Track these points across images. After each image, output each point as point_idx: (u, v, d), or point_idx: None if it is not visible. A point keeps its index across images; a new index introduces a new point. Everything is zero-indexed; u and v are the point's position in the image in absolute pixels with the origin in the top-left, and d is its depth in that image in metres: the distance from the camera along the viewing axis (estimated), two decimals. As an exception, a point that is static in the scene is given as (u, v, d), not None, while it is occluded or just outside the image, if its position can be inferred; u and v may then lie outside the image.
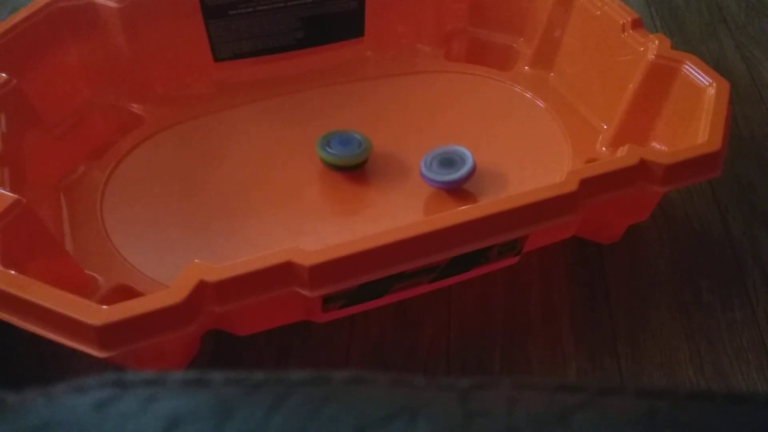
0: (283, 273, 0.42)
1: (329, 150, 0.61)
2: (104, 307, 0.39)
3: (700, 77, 0.57)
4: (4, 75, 0.55)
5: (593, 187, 0.49)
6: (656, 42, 0.61)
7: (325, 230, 0.58)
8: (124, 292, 0.52)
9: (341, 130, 0.63)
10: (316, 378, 0.17)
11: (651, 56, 0.60)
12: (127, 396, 0.16)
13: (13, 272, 0.41)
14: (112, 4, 0.63)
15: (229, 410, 0.16)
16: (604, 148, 0.64)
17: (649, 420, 0.16)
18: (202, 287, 0.41)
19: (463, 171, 0.59)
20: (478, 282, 0.56)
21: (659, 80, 0.60)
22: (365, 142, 0.62)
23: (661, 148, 0.60)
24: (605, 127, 0.65)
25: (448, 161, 0.60)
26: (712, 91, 0.56)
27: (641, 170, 0.50)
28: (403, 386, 0.17)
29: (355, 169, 0.62)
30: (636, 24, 0.63)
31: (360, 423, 0.16)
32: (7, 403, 0.16)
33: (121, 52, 0.65)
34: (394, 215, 0.59)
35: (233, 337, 0.50)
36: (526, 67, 0.73)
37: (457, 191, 0.60)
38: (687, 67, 0.58)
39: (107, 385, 0.16)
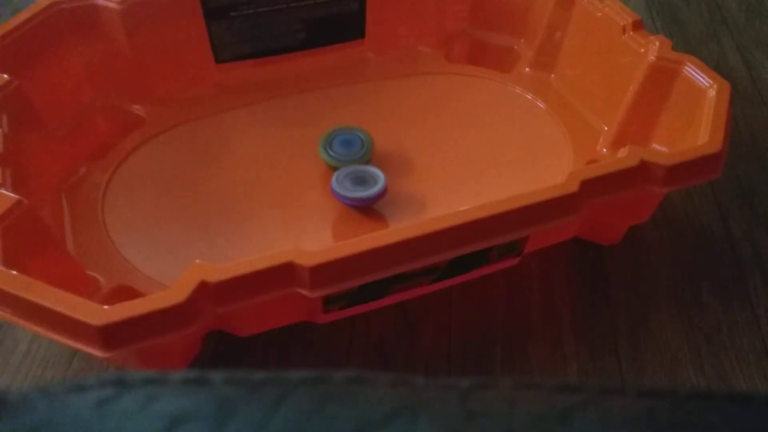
0: (284, 273, 0.42)
1: (331, 152, 0.61)
2: (105, 307, 0.39)
3: (700, 78, 0.57)
4: (5, 76, 0.55)
5: (594, 188, 0.49)
6: (657, 43, 0.61)
7: (326, 232, 0.58)
8: (125, 293, 0.52)
9: (344, 128, 0.63)
10: (316, 378, 0.17)
11: (652, 57, 0.60)
12: (127, 395, 0.16)
13: (14, 272, 0.41)
14: (114, 6, 0.63)
15: (230, 410, 0.16)
16: (604, 150, 0.64)
17: (650, 420, 0.16)
18: (203, 287, 0.41)
19: (374, 190, 0.58)
20: (478, 283, 0.56)
21: (660, 81, 0.60)
22: (367, 142, 0.62)
23: (661, 149, 0.60)
24: (606, 128, 0.65)
25: (360, 179, 0.59)
26: (712, 92, 0.56)
27: (642, 171, 0.50)
28: (404, 386, 0.17)
29: None
30: (637, 25, 0.63)
31: (360, 423, 0.16)
32: (8, 402, 0.16)
33: (123, 53, 0.65)
34: (396, 217, 0.59)
35: (234, 338, 0.50)
36: (527, 69, 0.73)
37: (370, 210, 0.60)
38: (687, 68, 0.58)
39: (107, 384, 0.16)
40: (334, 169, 0.61)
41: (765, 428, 0.16)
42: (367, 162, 0.62)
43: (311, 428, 0.16)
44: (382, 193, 0.58)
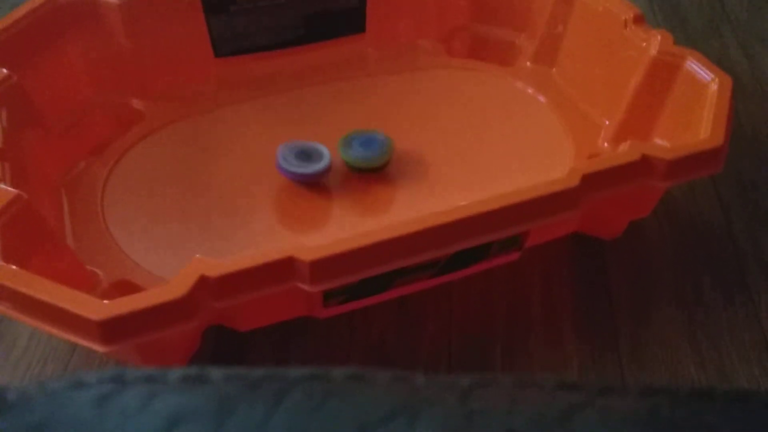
0: (284, 268, 0.42)
1: (351, 152, 0.61)
2: (105, 301, 0.39)
3: (702, 73, 0.57)
4: (4, 71, 0.55)
5: (595, 182, 0.48)
6: (658, 37, 0.60)
7: (327, 227, 0.58)
8: (125, 288, 0.52)
9: (362, 130, 0.63)
10: (316, 375, 0.17)
11: (653, 52, 0.60)
12: (127, 392, 0.16)
13: (14, 267, 0.41)
14: (113, 0, 0.63)
15: (230, 407, 0.16)
16: (606, 144, 0.63)
17: (650, 419, 0.16)
18: (203, 282, 0.41)
19: (320, 165, 0.59)
20: (479, 279, 0.56)
21: (661, 76, 0.60)
22: (387, 143, 0.61)
23: (663, 143, 0.60)
24: (607, 122, 0.65)
25: (306, 155, 0.60)
26: (714, 86, 0.55)
27: (643, 165, 0.50)
28: (404, 384, 0.17)
29: (376, 171, 0.61)
30: (638, 19, 0.63)
31: (360, 421, 0.16)
32: (7, 400, 0.16)
33: (122, 47, 0.65)
34: (397, 211, 0.59)
35: (234, 334, 0.50)
36: (528, 63, 0.73)
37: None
38: (689, 62, 0.58)
39: (107, 381, 0.16)
40: (355, 169, 0.61)
41: (766, 427, 0.16)
42: (387, 162, 0.61)
43: (311, 426, 0.15)
44: (327, 169, 0.59)
